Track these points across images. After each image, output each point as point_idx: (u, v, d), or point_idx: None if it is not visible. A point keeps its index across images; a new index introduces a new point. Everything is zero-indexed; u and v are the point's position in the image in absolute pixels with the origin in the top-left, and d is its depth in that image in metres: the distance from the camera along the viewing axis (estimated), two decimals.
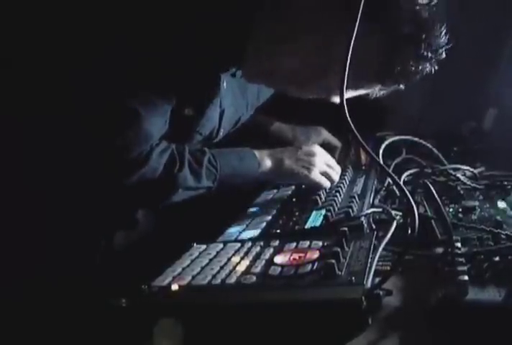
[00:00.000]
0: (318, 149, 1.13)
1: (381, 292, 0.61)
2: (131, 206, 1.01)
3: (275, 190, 1.14)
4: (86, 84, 0.87)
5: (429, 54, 0.90)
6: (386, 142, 1.12)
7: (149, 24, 0.88)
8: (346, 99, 0.74)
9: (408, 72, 0.91)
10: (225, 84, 1.06)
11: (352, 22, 0.76)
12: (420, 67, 0.91)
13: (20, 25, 0.90)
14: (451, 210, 0.96)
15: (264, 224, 0.91)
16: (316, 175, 1.09)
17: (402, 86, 0.96)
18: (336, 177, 1.11)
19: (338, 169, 1.14)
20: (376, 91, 0.98)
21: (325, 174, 1.10)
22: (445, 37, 0.90)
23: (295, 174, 1.09)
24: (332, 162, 1.14)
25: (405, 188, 0.71)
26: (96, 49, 0.87)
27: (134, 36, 0.87)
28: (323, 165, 1.11)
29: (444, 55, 0.91)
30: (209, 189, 1.00)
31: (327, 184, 1.09)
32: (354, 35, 0.76)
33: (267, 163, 1.07)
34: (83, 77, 0.87)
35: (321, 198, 1.00)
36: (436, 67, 0.92)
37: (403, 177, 1.07)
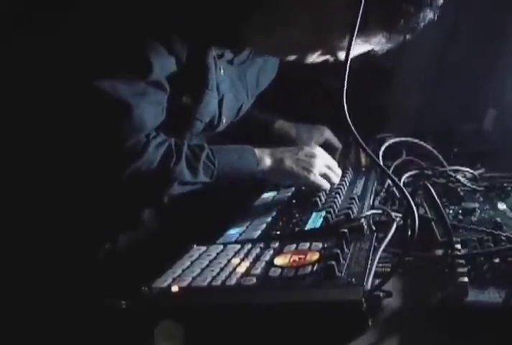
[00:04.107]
0: (319, 151, 1.13)
1: (381, 294, 0.61)
2: (129, 202, 1.00)
3: (275, 192, 1.14)
4: (72, 77, 0.87)
5: (429, 0, 0.90)
6: (386, 144, 1.12)
7: (137, 10, 0.88)
8: (349, 99, 0.74)
9: (411, 20, 0.91)
10: (222, 71, 1.06)
11: None
12: (421, 14, 0.91)
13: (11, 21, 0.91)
14: (451, 211, 0.96)
15: (264, 226, 0.91)
16: (315, 177, 1.09)
17: (408, 37, 0.95)
18: (336, 180, 1.11)
19: (338, 171, 1.14)
20: (383, 46, 0.97)
21: (325, 176, 1.10)
22: None
23: (295, 174, 1.09)
24: (333, 164, 1.14)
25: (405, 190, 0.72)
26: (80, 39, 0.87)
27: (121, 24, 0.88)
28: (324, 167, 1.11)
29: (441, 0, 0.91)
30: (207, 184, 1.00)
31: (326, 186, 1.09)
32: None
33: (267, 162, 1.07)
34: (68, 70, 0.87)
35: (321, 200, 1.00)
36: (437, 13, 0.92)
37: (403, 178, 1.06)
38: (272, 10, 0.95)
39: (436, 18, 0.92)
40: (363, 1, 0.75)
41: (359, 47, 0.96)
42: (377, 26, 0.93)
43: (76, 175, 0.93)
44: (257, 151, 1.07)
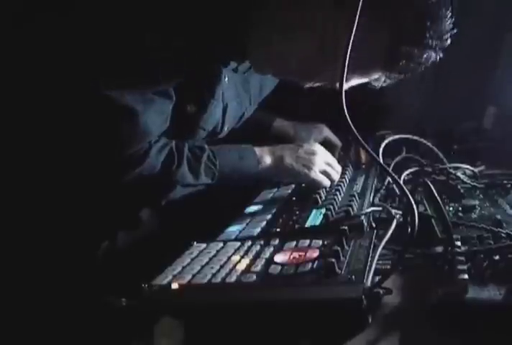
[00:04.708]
0: (319, 148, 1.13)
1: (381, 291, 0.61)
2: (129, 203, 1.01)
3: (275, 189, 1.13)
4: (80, 83, 0.87)
5: (434, 43, 0.88)
6: (386, 141, 1.12)
7: (143, 20, 0.87)
8: (348, 97, 0.74)
9: (413, 62, 0.90)
10: (226, 79, 1.06)
11: (353, 12, 0.75)
12: (425, 56, 0.90)
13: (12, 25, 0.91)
14: (451, 209, 0.96)
15: (264, 223, 0.91)
16: (315, 174, 1.09)
17: (407, 75, 0.95)
18: (336, 177, 1.11)
19: (338, 168, 1.14)
20: (382, 81, 0.97)
21: (325, 173, 1.10)
22: (451, 20, 0.88)
23: (295, 172, 1.09)
24: (333, 161, 1.14)
25: (404, 187, 0.71)
26: (88, 46, 0.87)
27: (127, 33, 0.87)
28: (324, 164, 1.11)
29: (448, 42, 0.90)
30: (208, 185, 1.00)
31: (327, 183, 1.09)
32: (355, 28, 0.75)
33: (267, 160, 1.07)
34: (76, 76, 0.87)
35: (321, 197, 1.00)
36: (441, 55, 0.91)
37: (403, 176, 1.06)
38: (275, 25, 0.93)
39: (438, 59, 0.91)
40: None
41: (357, 80, 0.95)
42: (378, 65, 0.92)
43: (78, 178, 0.93)
44: (257, 150, 1.07)
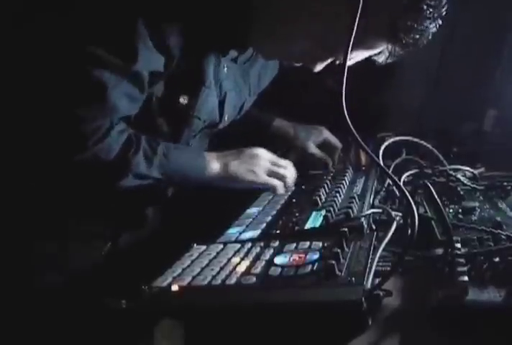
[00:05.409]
0: (259, 150, 1.10)
1: (381, 293, 0.62)
2: (80, 186, 0.98)
3: None
4: (61, 57, 0.87)
5: (431, 12, 0.89)
6: (386, 143, 1.12)
7: (142, 19, 0.88)
8: (348, 99, 0.74)
9: (413, 35, 0.91)
10: (225, 69, 1.06)
11: None
12: (424, 27, 0.91)
13: None
14: (451, 210, 0.96)
15: (264, 225, 0.91)
16: (262, 178, 1.07)
17: (411, 49, 0.96)
18: (285, 172, 1.10)
19: (285, 163, 1.12)
20: (386, 57, 0.98)
21: (272, 173, 1.09)
22: None
23: (241, 179, 1.06)
24: (276, 159, 1.12)
25: (404, 189, 0.72)
26: (69, 20, 0.87)
27: (126, 32, 0.88)
28: (268, 164, 1.09)
29: (444, 11, 0.91)
30: (157, 181, 0.98)
31: (275, 182, 1.08)
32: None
33: (215, 167, 1.04)
34: (59, 51, 0.87)
35: (320, 199, 1.00)
36: (440, 23, 0.92)
37: (403, 177, 1.06)
38: (271, 10, 0.96)
39: (437, 28, 0.93)
40: (360, 6, 0.75)
41: (362, 54, 0.97)
42: (380, 41, 0.94)
43: (40, 153, 0.91)
44: (206, 155, 1.05)
